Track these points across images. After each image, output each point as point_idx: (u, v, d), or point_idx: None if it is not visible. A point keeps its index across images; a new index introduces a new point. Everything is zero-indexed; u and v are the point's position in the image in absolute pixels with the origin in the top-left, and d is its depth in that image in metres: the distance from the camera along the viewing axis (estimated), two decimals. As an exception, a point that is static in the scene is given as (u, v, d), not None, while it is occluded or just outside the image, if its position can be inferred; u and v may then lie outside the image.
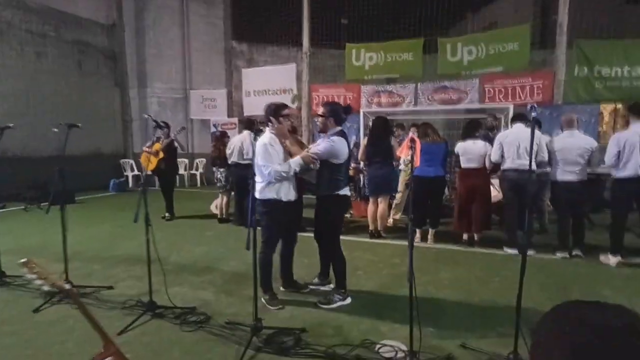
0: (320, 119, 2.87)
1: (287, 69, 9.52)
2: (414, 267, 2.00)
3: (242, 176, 5.20)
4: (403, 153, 2.71)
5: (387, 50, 8.43)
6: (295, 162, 2.64)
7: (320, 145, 2.76)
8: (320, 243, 2.98)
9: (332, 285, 3.03)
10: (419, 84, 8.26)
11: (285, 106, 2.79)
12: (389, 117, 5.36)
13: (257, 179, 2.75)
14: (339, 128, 2.86)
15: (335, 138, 2.78)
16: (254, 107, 9.58)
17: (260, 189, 2.74)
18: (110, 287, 3.14)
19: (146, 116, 5.72)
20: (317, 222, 2.90)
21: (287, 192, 2.71)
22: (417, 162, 2.46)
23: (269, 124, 2.78)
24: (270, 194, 2.73)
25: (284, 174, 2.62)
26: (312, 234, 3.00)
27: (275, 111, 2.76)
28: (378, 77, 8.68)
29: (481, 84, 7.76)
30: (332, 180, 2.77)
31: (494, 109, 6.66)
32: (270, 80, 9.65)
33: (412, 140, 2.31)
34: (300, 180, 3.00)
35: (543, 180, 4.43)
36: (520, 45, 7.38)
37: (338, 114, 2.86)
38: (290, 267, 3.03)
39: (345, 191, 2.88)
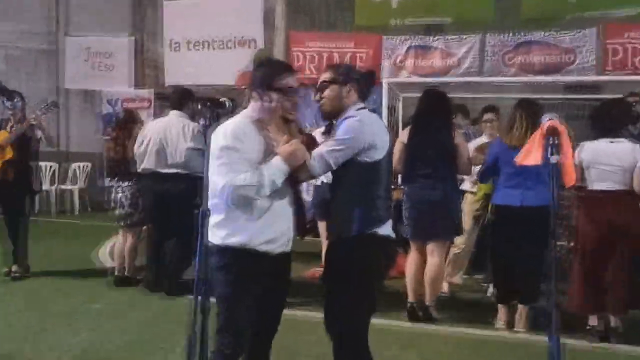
0: (325, 91, 2.94)
1: (247, 4, 9.60)
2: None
3: (165, 197, 5.26)
4: (531, 158, 2.49)
5: (431, -25, 8.71)
6: (275, 167, 2.69)
7: (336, 134, 2.83)
8: (336, 340, 2.88)
9: None
10: (487, 36, 8.36)
11: (287, 69, 2.90)
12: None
13: (211, 205, 2.67)
14: (362, 104, 2.95)
15: (364, 113, 2.86)
16: (186, 71, 9.50)
17: (216, 226, 2.72)
18: None
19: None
20: (332, 299, 2.91)
21: (268, 233, 2.75)
22: (571, 177, 2.45)
23: (253, 100, 2.79)
24: (235, 237, 2.71)
25: (250, 194, 2.64)
26: (310, 313, 3.04)
27: (270, 77, 2.82)
28: (413, 22, 8.80)
29: (601, 37, 7.82)
30: (363, 203, 2.84)
31: (626, 85, 6.62)
32: (215, 23, 9.72)
33: (553, 131, 2.26)
34: (298, 206, 2.95)
35: None
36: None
37: (358, 80, 2.97)
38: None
39: (387, 229, 2.87)
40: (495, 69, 8.21)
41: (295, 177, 2.77)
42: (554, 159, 2.30)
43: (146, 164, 5.32)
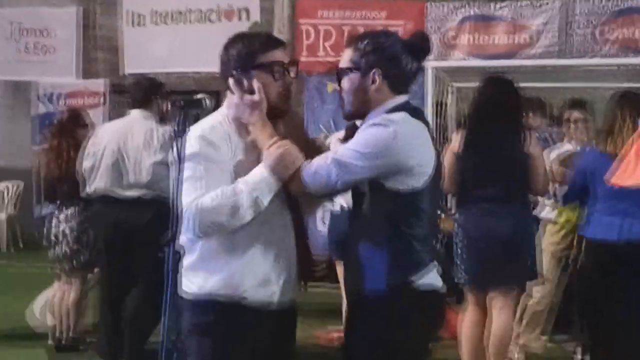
0: (343, 81, 2.90)
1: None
2: None
3: (123, 230, 5.29)
4: (631, 177, 2.50)
5: None
6: (257, 179, 2.69)
7: (352, 141, 2.78)
8: None
9: None
10: (574, 1, 8.35)
11: (272, 41, 2.91)
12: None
13: (183, 241, 2.74)
14: (402, 98, 2.87)
15: (399, 118, 2.74)
16: (153, 54, 9.56)
17: (190, 269, 2.76)
18: None
19: None
20: None
21: (258, 274, 2.76)
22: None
23: (228, 92, 2.78)
24: (213, 283, 2.72)
25: (222, 219, 2.66)
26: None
27: (249, 54, 2.79)
28: None
29: None
30: (393, 245, 2.80)
31: None
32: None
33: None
34: (300, 238, 2.97)
35: None
36: None
37: (394, 59, 2.86)
38: None
39: (432, 277, 2.84)
40: (586, 47, 8.21)
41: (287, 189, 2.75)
42: None
43: (98, 183, 5.34)
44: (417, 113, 2.85)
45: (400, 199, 2.72)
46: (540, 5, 8.42)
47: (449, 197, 5.21)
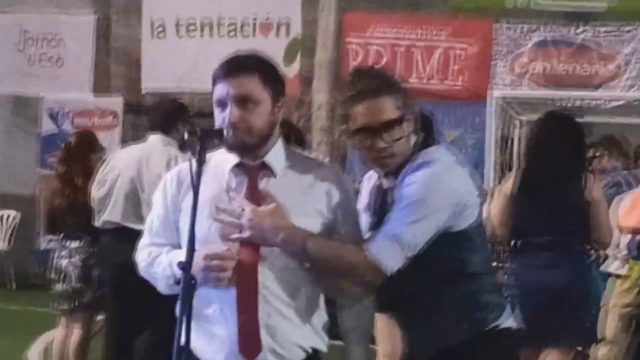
0: (393, 134, 2.92)
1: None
2: None
3: (133, 268, 5.27)
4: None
5: None
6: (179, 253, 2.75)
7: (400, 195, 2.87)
8: None
9: None
10: None
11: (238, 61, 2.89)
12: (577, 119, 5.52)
13: None
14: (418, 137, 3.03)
15: (439, 153, 2.97)
16: (176, 70, 9.82)
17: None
18: None
19: None
20: None
21: (203, 340, 2.82)
22: None
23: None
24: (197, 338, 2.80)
25: (152, 281, 2.94)
26: None
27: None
28: (545, 5, 8.96)
29: None
30: (466, 287, 2.96)
31: None
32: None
33: None
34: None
35: None
36: None
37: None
38: None
39: (509, 318, 3.04)
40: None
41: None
42: None
43: (109, 215, 5.49)
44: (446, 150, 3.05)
45: (455, 239, 2.85)
46: (629, 31, 8.50)
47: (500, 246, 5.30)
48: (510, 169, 8.05)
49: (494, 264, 6.02)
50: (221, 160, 2.83)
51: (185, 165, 2.80)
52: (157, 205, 2.96)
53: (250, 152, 2.72)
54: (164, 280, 2.81)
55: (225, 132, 2.75)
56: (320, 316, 2.88)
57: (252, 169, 2.75)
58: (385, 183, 2.97)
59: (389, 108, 2.87)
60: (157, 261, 2.84)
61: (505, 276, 5.15)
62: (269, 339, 2.70)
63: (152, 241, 2.94)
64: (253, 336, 2.68)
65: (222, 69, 2.81)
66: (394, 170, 2.91)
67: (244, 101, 2.65)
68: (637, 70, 8.50)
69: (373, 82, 2.93)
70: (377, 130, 2.83)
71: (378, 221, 2.93)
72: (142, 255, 2.93)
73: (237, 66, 2.80)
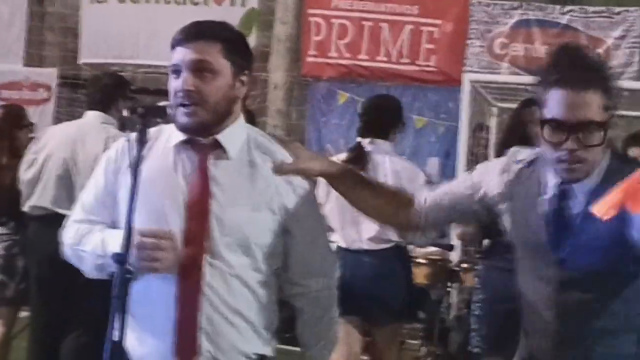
0: (592, 139, 2.74)
1: None
2: None
3: (63, 260, 5.26)
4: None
5: None
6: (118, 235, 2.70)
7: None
8: None
9: None
10: None
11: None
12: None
13: None
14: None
15: None
16: (118, 39, 9.77)
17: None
18: None
19: None
20: None
21: (138, 337, 2.85)
22: None
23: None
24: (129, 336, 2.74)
25: (77, 263, 2.96)
26: None
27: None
28: None
29: None
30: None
31: None
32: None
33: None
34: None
35: None
36: None
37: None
38: None
39: None
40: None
41: None
42: None
43: (38, 199, 5.43)
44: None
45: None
46: (619, 13, 8.50)
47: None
48: (484, 160, 7.91)
49: (464, 265, 6.02)
50: (174, 134, 2.83)
51: (133, 136, 2.74)
52: (97, 180, 2.95)
53: (202, 131, 2.70)
54: (92, 259, 2.80)
55: (169, 110, 2.75)
56: (271, 321, 2.92)
57: (203, 146, 2.74)
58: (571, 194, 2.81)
59: (595, 107, 2.67)
60: (86, 239, 2.84)
61: (476, 279, 5.17)
62: (207, 344, 2.73)
63: (83, 218, 2.92)
64: (190, 338, 2.70)
65: (182, 32, 2.81)
66: (578, 179, 2.77)
67: (200, 69, 2.64)
68: (627, 56, 8.48)
69: (583, 70, 2.73)
70: (572, 128, 2.64)
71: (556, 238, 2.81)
72: (70, 232, 2.91)
73: (198, 31, 2.81)
